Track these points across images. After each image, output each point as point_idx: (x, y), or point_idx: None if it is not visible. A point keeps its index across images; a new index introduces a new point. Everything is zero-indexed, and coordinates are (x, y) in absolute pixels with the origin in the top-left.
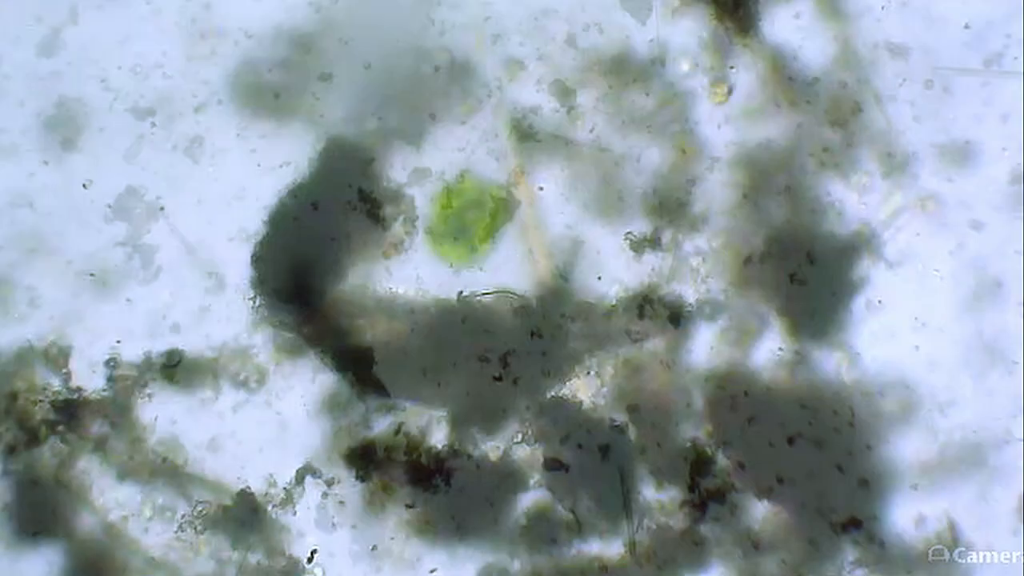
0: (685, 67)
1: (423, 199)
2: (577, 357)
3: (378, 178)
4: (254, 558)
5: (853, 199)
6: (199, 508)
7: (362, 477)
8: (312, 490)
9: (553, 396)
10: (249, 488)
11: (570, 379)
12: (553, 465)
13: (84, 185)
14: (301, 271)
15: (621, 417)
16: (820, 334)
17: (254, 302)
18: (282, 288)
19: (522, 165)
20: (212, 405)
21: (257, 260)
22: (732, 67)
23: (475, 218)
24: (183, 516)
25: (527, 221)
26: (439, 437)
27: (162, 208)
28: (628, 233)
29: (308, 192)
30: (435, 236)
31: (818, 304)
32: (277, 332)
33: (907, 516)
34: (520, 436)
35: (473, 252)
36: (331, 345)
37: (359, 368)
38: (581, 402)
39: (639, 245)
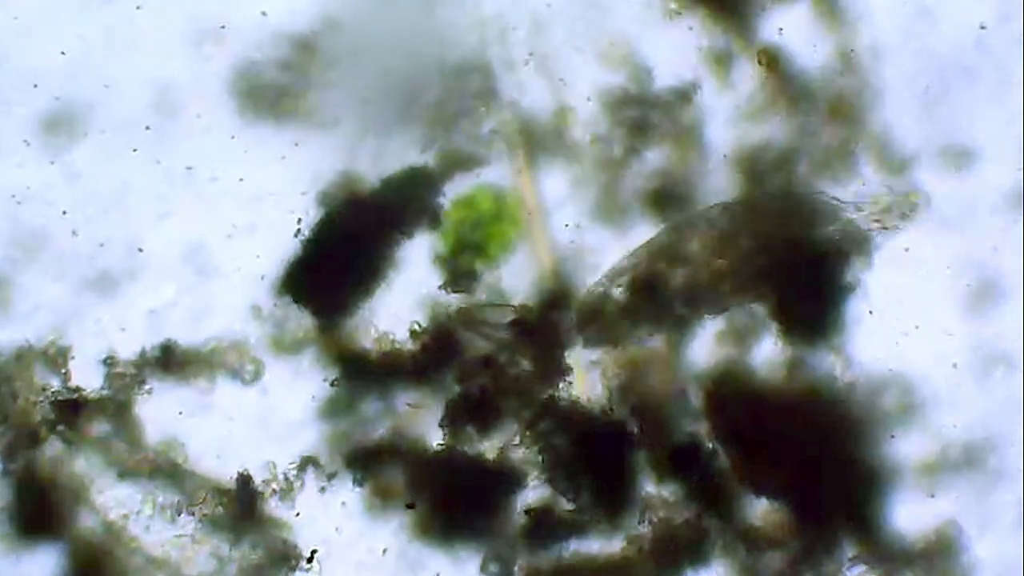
0: (685, 68)
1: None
2: (576, 358)
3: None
4: (253, 555)
5: (853, 199)
6: (198, 496)
7: (360, 482)
8: (312, 484)
9: (551, 396)
10: (248, 471)
11: (570, 380)
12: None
13: (83, 185)
14: (335, 285)
15: (622, 414)
16: (819, 334)
17: (276, 302)
18: (311, 297)
19: (526, 166)
20: (211, 401)
21: (294, 266)
22: (781, 29)
23: (488, 232)
24: (179, 501)
25: (531, 222)
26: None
27: (163, 209)
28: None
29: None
30: (448, 249)
31: (816, 304)
32: (278, 327)
33: (907, 514)
34: (517, 438)
35: (486, 265)
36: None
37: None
38: (579, 400)
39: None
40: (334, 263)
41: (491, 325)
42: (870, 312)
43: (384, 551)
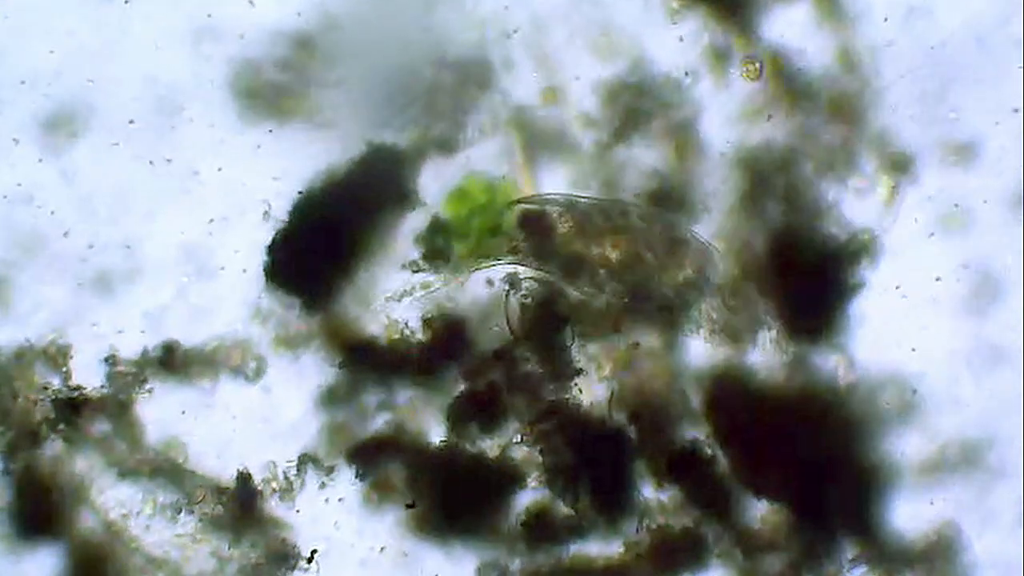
0: (686, 68)
1: (428, 201)
2: (577, 358)
3: (409, 187)
4: (253, 554)
5: (853, 199)
6: (197, 495)
7: (361, 476)
8: (312, 482)
9: (553, 399)
10: (247, 469)
11: (571, 380)
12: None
13: (83, 185)
14: (315, 267)
15: (621, 417)
16: (819, 334)
17: (263, 292)
18: (293, 281)
19: (525, 165)
20: (211, 400)
21: (273, 250)
22: (759, 46)
23: (485, 220)
24: (177, 500)
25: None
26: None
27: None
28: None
29: (338, 192)
30: (447, 239)
31: (817, 304)
32: (279, 324)
33: (906, 514)
34: (520, 437)
35: (483, 254)
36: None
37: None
38: (580, 403)
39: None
40: (310, 247)
41: (529, 294)
42: (867, 310)
43: (382, 549)
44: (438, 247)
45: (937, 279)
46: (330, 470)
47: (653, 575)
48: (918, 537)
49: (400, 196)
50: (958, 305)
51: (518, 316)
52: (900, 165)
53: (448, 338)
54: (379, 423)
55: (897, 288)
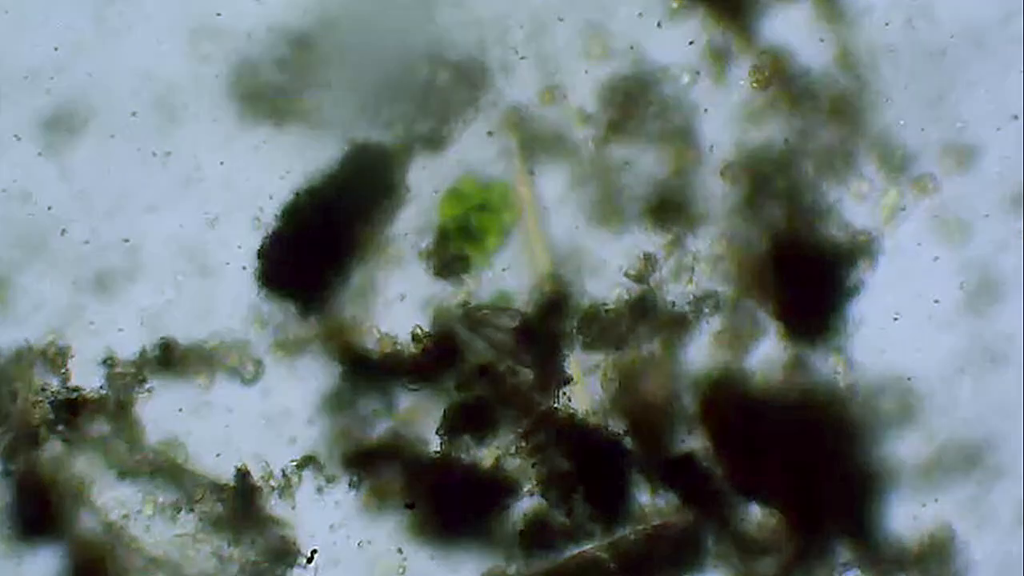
0: (684, 68)
1: (423, 203)
2: (574, 364)
3: (397, 184)
4: (251, 553)
5: (853, 200)
6: (196, 494)
7: (356, 485)
8: (310, 483)
9: (549, 408)
10: (246, 466)
11: (567, 387)
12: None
13: (82, 184)
14: (307, 268)
15: (617, 423)
16: (819, 335)
17: (258, 295)
18: (286, 285)
19: (523, 168)
20: (209, 397)
21: (264, 255)
22: (763, 52)
23: (482, 221)
24: (177, 500)
25: (528, 225)
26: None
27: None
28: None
29: (326, 193)
30: (442, 242)
31: (817, 305)
32: (277, 328)
33: (904, 516)
34: (514, 448)
35: (481, 257)
36: (331, 344)
37: (357, 368)
38: (576, 411)
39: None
40: (301, 248)
41: (496, 328)
42: (867, 311)
43: (378, 554)
44: (453, 254)
45: (937, 280)
46: (330, 480)
47: None
48: (913, 540)
49: (388, 193)
50: (957, 306)
51: (496, 342)
52: (902, 169)
53: (438, 352)
54: (379, 429)
55: (896, 289)
